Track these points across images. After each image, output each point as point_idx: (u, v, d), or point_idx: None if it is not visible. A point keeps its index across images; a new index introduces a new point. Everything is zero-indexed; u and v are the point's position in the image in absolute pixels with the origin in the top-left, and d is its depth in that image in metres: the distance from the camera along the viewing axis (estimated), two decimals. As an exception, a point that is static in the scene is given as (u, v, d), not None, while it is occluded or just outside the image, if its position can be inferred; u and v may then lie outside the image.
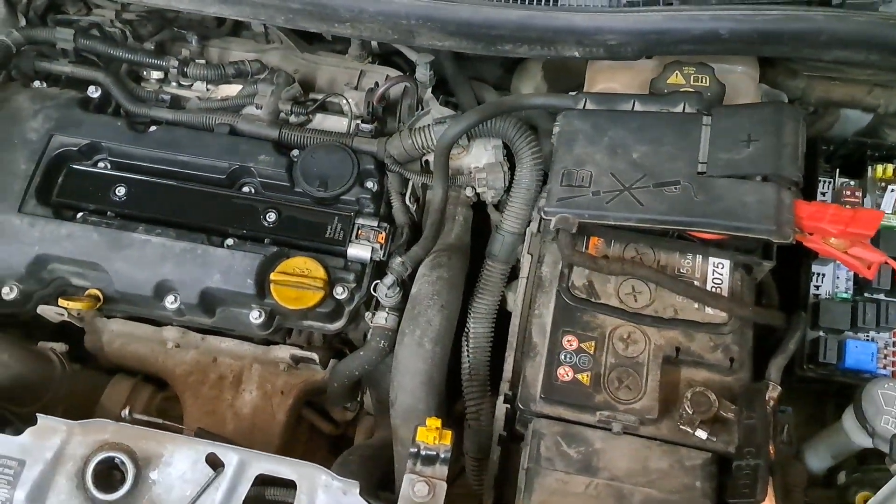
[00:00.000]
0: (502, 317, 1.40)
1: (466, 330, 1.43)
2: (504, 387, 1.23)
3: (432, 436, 0.97)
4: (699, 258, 1.10)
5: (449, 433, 0.99)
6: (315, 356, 1.37)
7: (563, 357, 1.05)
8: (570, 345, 1.05)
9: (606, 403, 1.01)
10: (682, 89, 1.23)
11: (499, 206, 1.54)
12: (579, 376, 1.03)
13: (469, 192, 1.53)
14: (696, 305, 1.07)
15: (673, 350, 1.04)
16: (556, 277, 1.13)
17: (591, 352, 1.05)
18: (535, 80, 1.79)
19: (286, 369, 1.45)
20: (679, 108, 1.11)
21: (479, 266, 1.47)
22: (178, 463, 0.99)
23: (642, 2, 1.09)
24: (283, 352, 1.43)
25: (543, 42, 1.10)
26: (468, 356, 1.41)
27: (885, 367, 1.17)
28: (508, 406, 1.21)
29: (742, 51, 1.15)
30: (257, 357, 1.46)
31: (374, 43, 1.66)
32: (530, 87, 1.84)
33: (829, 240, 1.01)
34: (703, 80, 1.23)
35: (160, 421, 1.09)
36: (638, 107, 1.13)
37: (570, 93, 1.59)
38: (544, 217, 1.09)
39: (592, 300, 1.08)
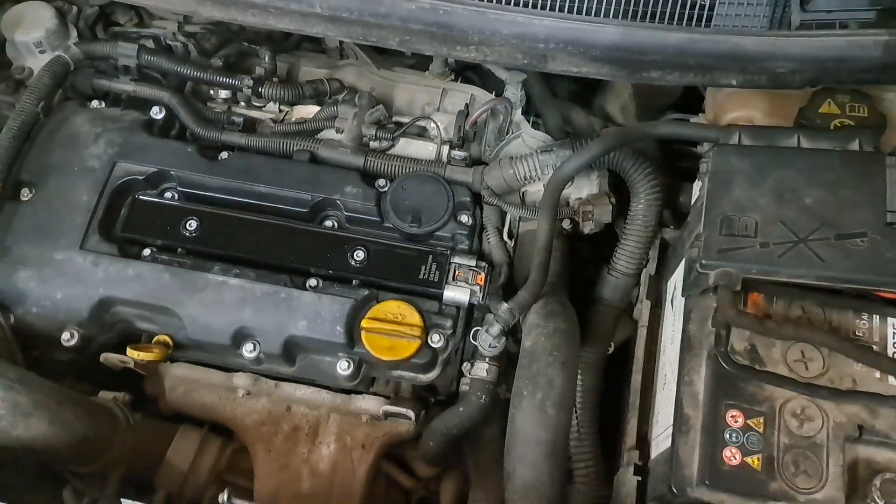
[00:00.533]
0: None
1: (572, 381, 1.29)
2: (633, 455, 1.09)
3: (588, 533, 0.82)
4: (876, 319, 0.95)
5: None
6: (411, 413, 1.23)
7: (728, 436, 0.90)
8: (735, 421, 0.91)
9: (783, 493, 0.87)
10: (837, 120, 1.09)
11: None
12: (748, 459, 0.89)
13: (567, 224, 1.39)
14: (877, 375, 0.92)
15: (855, 429, 0.90)
16: (706, 338, 0.98)
17: (761, 430, 0.90)
18: (623, 97, 1.66)
19: (368, 420, 1.31)
20: (854, 146, 0.97)
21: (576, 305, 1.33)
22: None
23: (815, 24, 0.94)
24: (369, 403, 1.29)
25: (700, 69, 0.96)
26: (576, 412, 1.27)
27: None
28: (640, 478, 1.07)
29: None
30: (336, 407, 1.31)
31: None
32: (617, 106, 1.71)
33: None
34: (861, 110, 1.09)
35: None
36: (804, 143, 0.99)
37: (676, 116, 1.47)
38: (700, 271, 0.95)
39: (757, 367, 0.93)
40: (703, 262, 0.94)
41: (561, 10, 0.95)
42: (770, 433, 0.90)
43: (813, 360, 0.94)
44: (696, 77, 0.99)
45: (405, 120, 1.41)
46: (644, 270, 1.26)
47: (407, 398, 1.31)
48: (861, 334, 0.95)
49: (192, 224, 1.26)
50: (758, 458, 0.89)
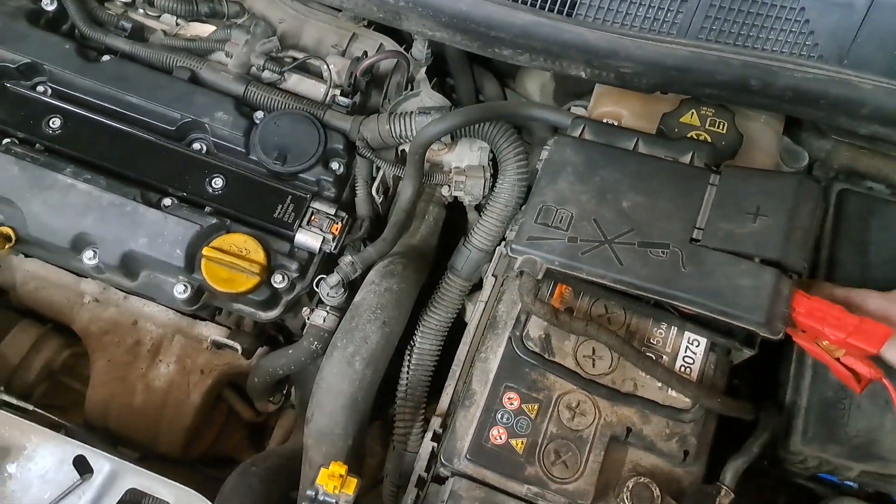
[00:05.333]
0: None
1: (412, 343, 1.31)
2: (435, 422, 1.11)
3: (333, 483, 0.85)
4: (674, 330, 0.97)
5: (354, 482, 0.87)
6: (237, 346, 1.24)
7: (499, 416, 0.92)
8: (511, 403, 0.93)
9: (537, 478, 0.89)
10: (694, 132, 1.09)
11: (479, 209, 1.40)
12: (513, 442, 0.91)
13: (445, 191, 1.39)
14: (659, 384, 0.94)
15: (623, 430, 0.92)
16: (512, 320, 0.99)
17: (533, 416, 0.92)
18: (543, 77, 1.64)
19: (210, 347, 1.33)
20: (686, 158, 0.97)
21: (442, 273, 1.34)
22: (42, 459, 0.87)
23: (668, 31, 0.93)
24: (211, 331, 1.30)
25: (549, 55, 0.95)
26: (408, 372, 1.29)
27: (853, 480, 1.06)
28: (436, 445, 1.09)
29: (770, 106, 1.01)
30: (181, 329, 1.33)
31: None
32: (536, 85, 1.69)
33: (822, 342, 0.89)
34: (720, 126, 1.09)
35: (33, 408, 0.95)
36: (642, 147, 0.99)
37: (576, 105, 1.46)
38: (510, 254, 0.95)
39: (546, 356, 0.95)
40: (514, 246, 0.95)
41: (415, -33, 0.92)
42: (541, 420, 0.92)
43: (602, 359, 0.96)
44: (547, 62, 0.98)
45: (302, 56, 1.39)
46: (497, 248, 1.26)
47: (248, 333, 1.32)
48: (655, 342, 0.97)
49: (56, 122, 1.24)
50: (522, 442, 0.91)
